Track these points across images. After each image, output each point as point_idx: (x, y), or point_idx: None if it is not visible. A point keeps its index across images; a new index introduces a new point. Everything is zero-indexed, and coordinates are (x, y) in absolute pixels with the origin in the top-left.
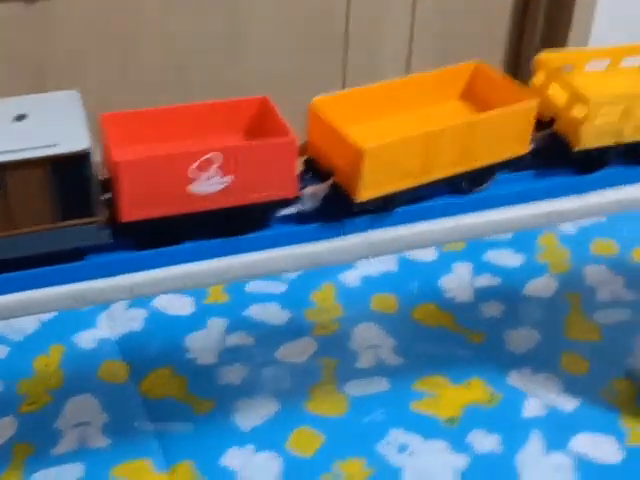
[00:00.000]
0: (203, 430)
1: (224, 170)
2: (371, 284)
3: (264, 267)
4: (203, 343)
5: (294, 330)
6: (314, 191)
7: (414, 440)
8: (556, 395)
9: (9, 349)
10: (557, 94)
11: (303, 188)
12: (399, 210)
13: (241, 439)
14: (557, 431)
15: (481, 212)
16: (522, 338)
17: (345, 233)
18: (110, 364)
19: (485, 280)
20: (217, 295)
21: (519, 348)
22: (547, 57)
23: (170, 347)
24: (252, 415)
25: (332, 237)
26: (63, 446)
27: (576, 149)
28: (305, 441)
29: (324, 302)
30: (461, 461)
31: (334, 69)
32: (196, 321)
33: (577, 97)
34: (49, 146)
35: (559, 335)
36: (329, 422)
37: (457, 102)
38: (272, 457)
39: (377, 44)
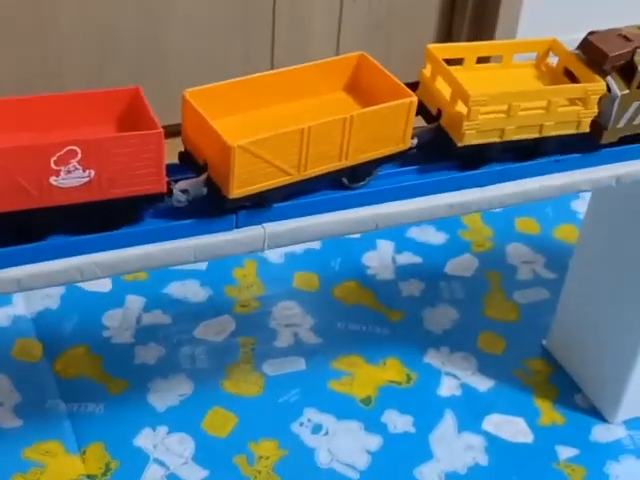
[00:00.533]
0: (117, 411)
1: (84, 164)
2: (294, 261)
3: (131, 264)
4: (120, 321)
5: (213, 308)
6: (186, 186)
7: (329, 420)
8: (472, 374)
9: None
10: (443, 87)
11: (177, 182)
12: (276, 206)
13: (155, 420)
14: (471, 411)
15: (361, 208)
16: (441, 317)
17: (218, 230)
18: (24, 342)
19: (407, 258)
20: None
21: (437, 327)
22: (435, 49)
23: (86, 325)
24: (167, 395)
25: (205, 233)
26: None
27: (459, 145)
28: (219, 421)
29: (245, 279)
30: (374, 441)
31: (262, 45)
32: (114, 299)
33: (459, 93)
34: None
35: (478, 314)
36: (244, 402)
37: (341, 94)
38: (185, 438)
39: (306, 20)
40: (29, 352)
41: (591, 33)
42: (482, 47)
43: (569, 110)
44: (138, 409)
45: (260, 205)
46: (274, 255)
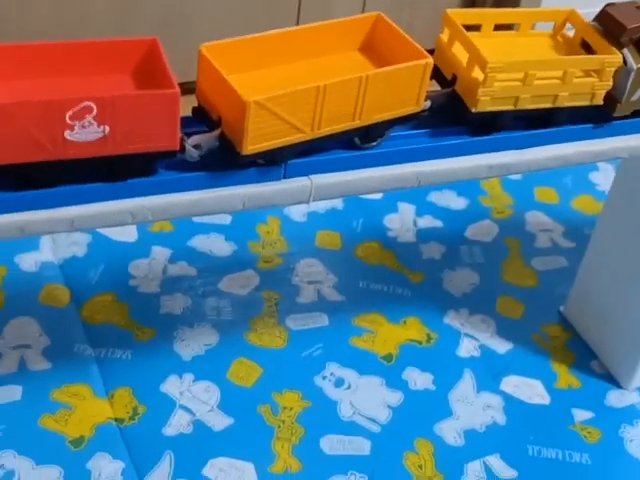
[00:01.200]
0: (143, 357)
1: (99, 120)
2: (316, 220)
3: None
4: (146, 271)
5: (237, 262)
6: (199, 141)
7: (351, 375)
8: (490, 337)
9: None
10: (460, 53)
11: (189, 136)
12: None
13: (181, 368)
14: (489, 372)
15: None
16: (460, 280)
17: (266, 180)
18: (52, 288)
19: (427, 221)
20: (162, 224)
21: (457, 290)
22: (453, 14)
23: (113, 274)
24: (193, 344)
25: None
26: (2, 368)
27: (473, 111)
28: (244, 372)
29: (269, 235)
30: (395, 397)
31: (288, 5)
32: (140, 249)
33: (476, 59)
34: None
35: (497, 279)
36: (269, 354)
37: (356, 54)
38: (211, 386)
39: None
40: (56, 297)
41: (609, 4)
42: (500, 14)
43: (584, 81)
44: (164, 357)
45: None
46: (297, 213)
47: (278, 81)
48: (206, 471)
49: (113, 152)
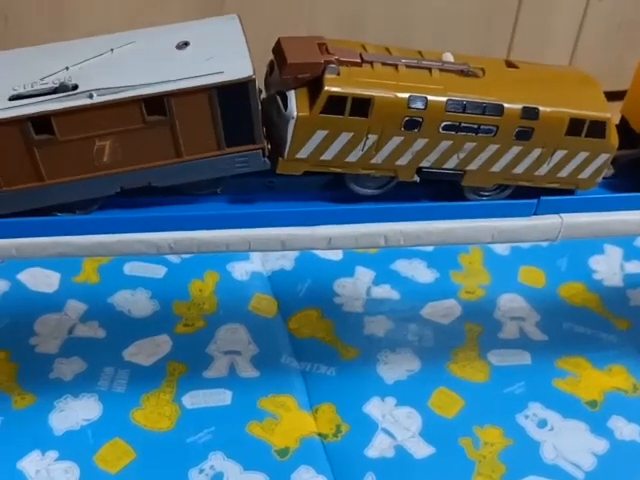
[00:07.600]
0: (347, 376)
1: None
2: (520, 255)
3: None
4: (351, 291)
5: (439, 290)
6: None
7: (554, 417)
8: None
9: (166, 270)
10: None
11: None
12: (575, 198)
13: (384, 390)
14: None
15: None
16: None
17: (517, 214)
18: (261, 297)
19: (635, 266)
20: None
21: None
22: None
23: (319, 290)
24: (396, 368)
25: (504, 216)
26: (214, 371)
27: None
28: (446, 402)
29: (471, 266)
30: (600, 445)
31: (501, 42)
32: (345, 268)
33: None
34: (215, 74)
35: None
36: (470, 387)
37: None
38: (413, 413)
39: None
40: (265, 308)
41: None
42: None
43: None
44: (367, 377)
45: None
46: (500, 247)
47: None
48: None
49: None
